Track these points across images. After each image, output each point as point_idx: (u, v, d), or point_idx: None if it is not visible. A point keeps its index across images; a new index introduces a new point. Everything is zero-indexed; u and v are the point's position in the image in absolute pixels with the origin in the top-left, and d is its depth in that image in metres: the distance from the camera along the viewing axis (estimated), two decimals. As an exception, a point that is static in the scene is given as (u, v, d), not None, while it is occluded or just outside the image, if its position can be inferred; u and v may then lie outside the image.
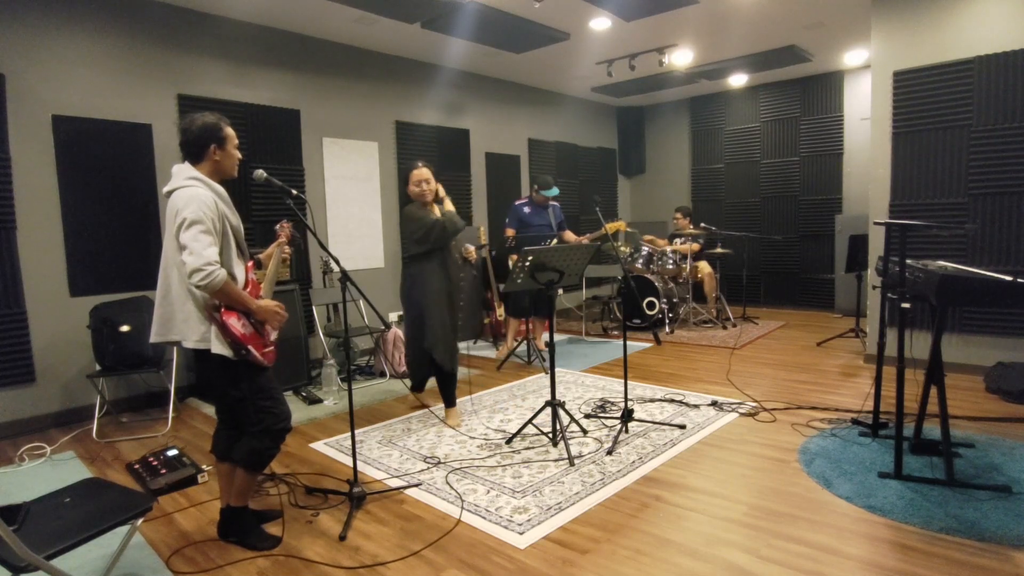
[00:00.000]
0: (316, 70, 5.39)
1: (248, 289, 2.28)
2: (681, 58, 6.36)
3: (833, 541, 2.28)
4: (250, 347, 2.21)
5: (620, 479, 2.88)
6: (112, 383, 4.21)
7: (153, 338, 2.28)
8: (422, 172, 3.63)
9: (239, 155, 2.42)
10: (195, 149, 2.27)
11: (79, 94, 4.07)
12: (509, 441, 3.40)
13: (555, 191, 5.34)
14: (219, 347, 2.17)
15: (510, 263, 5.18)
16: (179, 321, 2.21)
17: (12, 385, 3.84)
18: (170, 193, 2.21)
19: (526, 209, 5.37)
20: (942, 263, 3.01)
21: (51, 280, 4.00)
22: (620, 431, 3.44)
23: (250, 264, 2.41)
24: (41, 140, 3.93)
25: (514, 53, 5.97)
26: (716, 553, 2.24)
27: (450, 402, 3.79)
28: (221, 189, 2.29)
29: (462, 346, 6.06)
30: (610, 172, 9.12)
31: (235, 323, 2.18)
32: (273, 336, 2.39)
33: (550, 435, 3.37)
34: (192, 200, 2.13)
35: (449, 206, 3.71)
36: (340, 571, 2.23)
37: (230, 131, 2.36)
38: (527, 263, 3.17)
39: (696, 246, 6.70)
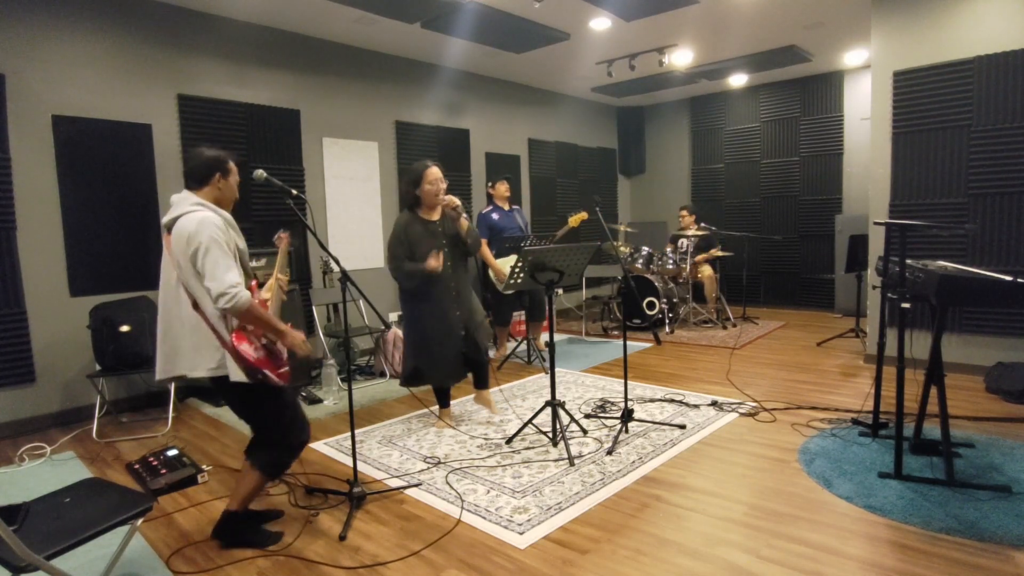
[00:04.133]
0: (316, 70, 5.40)
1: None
2: (681, 58, 6.36)
3: (833, 541, 2.28)
4: (266, 371, 2.20)
5: (620, 479, 2.88)
6: (112, 383, 4.21)
7: (159, 375, 2.27)
8: (437, 171, 3.43)
9: (237, 193, 2.43)
10: (199, 176, 2.29)
11: (79, 94, 4.08)
12: (509, 441, 3.40)
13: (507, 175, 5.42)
14: (237, 375, 2.16)
15: (491, 273, 5.14)
16: (188, 351, 2.19)
17: (12, 385, 3.84)
18: (172, 222, 2.18)
19: (494, 216, 5.29)
20: (942, 263, 3.01)
21: (51, 280, 4.00)
22: (620, 431, 3.44)
23: (254, 284, 2.39)
24: (41, 140, 3.93)
25: (514, 53, 5.97)
26: (716, 553, 2.24)
27: (443, 403, 3.79)
28: (227, 215, 2.30)
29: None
30: (610, 172, 9.12)
31: (247, 348, 2.16)
32: (286, 355, 2.38)
33: (550, 435, 3.37)
34: (204, 224, 2.13)
35: (464, 224, 3.51)
36: (340, 571, 2.23)
37: (234, 167, 2.39)
38: (527, 263, 3.16)
39: (717, 250, 6.73)
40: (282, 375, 2.30)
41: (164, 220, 2.23)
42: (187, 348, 2.20)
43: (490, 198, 5.40)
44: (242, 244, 2.32)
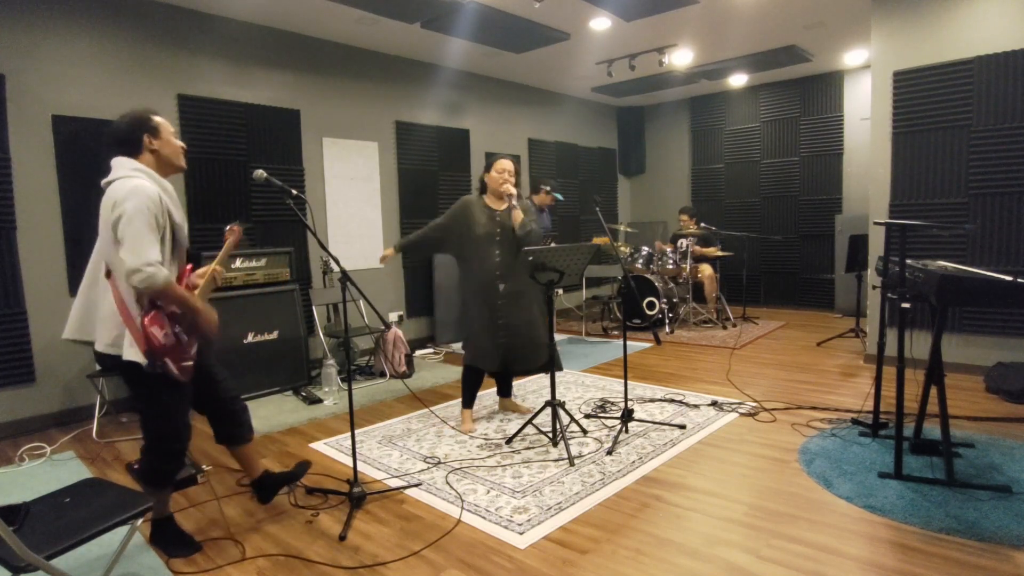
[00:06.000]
0: (316, 70, 5.39)
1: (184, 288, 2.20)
2: (681, 58, 6.36)
3: (833, 541, 2.28)
4: (167, 360, 2.10)
5: (620, 479, 2.88)
6: (112, 383, 4.20)
7: (66, 334, 2.16)
8: (507, 163, 3.56)
9: (180, 144, 2.29)
10: (128, 144, 2.15)
11: (79, 94, 4.07)
12: (509, 441, 3.40)
13: (561, 197, 5.53)
14: (131, 354, 2.06)
15: None
16: (97, 320, 2.11)
17: (12, 385, 3.83)
18: (107, 184, 2.08)
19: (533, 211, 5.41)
20: (942, 263, 3.01)
21: (51, 280, 4.00)
22: (620, 431, 3.44)
23: (189, 266, 2.32)
24: (41, 140, 3.93)
25: (514, 53, 5.97)
26: (716, 553, 2.24)
27: (466, 402, 3.74)
28: (167, 184, 2.19)
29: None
30: (610, 172, 9.12)
31: (157, 332, 2.05)
32: (194, 350, 2.25)
33: (550, 435, 3.37)
34: (134, 193, 2.00)
35: (517, 216, 3.52)
36: (340, 571, 2.23)
37: (161, 120, 2.24)
38: (527, 263, 3.17)
39: (715, 249, 6.74)
40: (183, 368, 2.18)
41: (103, 183, 2.13)
42: (94, 317, 2.11)
43: (533, 193, 5.55)
44: (179, 218, 2.19)
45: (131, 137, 2.16)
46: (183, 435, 2.31)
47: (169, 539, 2.40)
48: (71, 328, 2.17)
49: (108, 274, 2.10)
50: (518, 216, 3.52)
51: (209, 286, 2.31)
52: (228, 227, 2.40)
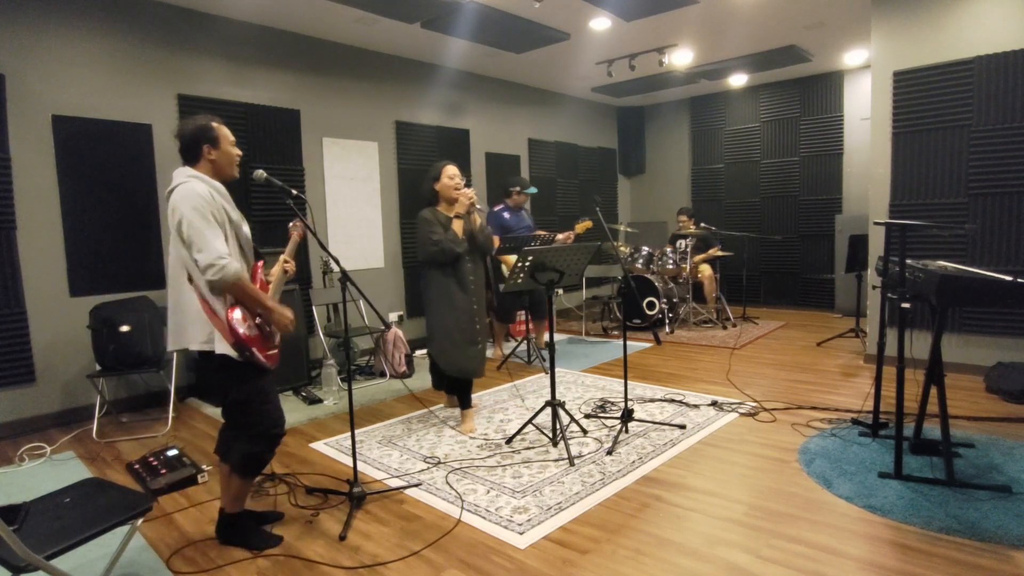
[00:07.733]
0: (316, 70, 5.39)
1: (257, 287, 2.29)
2: (681, 58, 6.36)
3: (833, 541, 2.28)
4: (254, 349, 2.20)
5: (620, 479, 2.88)
6: (112, 383, 4.21)
7: (170, 346, 2.29)
8: (455, 168, 3.59)
9: (238, 152, 2.39)
10: (189, 152, 2.27)
11: (79, 94, 4.07)
12: (509, 441, 3.40)
13: (534, 189, 5.44)
14: (223, 347, 2.17)
15: (504, 269, 5.17)
16: (187, 324, 2.20)
17: (12, 385, 3.83)
18: (169, 193, 2.20)
19: (506, 214, 5.38)
20: (942, 263, 3.01)
21: (51, 280, 4.00)
22: (620, 431, 3.44)
23: (259, 264, 2.39)
24: (41, 140, 3.93)
25: (514, 53, 5.97)
26: (716, 553, 2.24)
27: (464, 404, 3.72)
28: (221, 187, 2.28)
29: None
30: (610, 172, 9.12)
31: (240, 324, 2.17)
32: (277, 339, 2.38)
33: (550, 435, 3.37)
34: (187, 195, 2.13)
35: (477, 219, 3.61)
36: (340, 571, 2.23)
37: (223, 130, 2.33)
38: (527, 263, 3.17)
39: (716, 249, 6.76)
40: (270, 357, 2.29)
41: (166, 192, 2.25)
42: (186, 321, 2.21)
43: (506, 197, 5.47)
44: (236, 217, 2.28)
45: (191, 146, 2.26)
46: (281, 420, 2.38)
47: (247, 532, 2.43)
48: (171, 340, 2.27)
49: (190, 279, 2.19)
50: (477, 220, 3.58)
51: (281, 280, 2.44)
52: (292, 223, 2.59)
